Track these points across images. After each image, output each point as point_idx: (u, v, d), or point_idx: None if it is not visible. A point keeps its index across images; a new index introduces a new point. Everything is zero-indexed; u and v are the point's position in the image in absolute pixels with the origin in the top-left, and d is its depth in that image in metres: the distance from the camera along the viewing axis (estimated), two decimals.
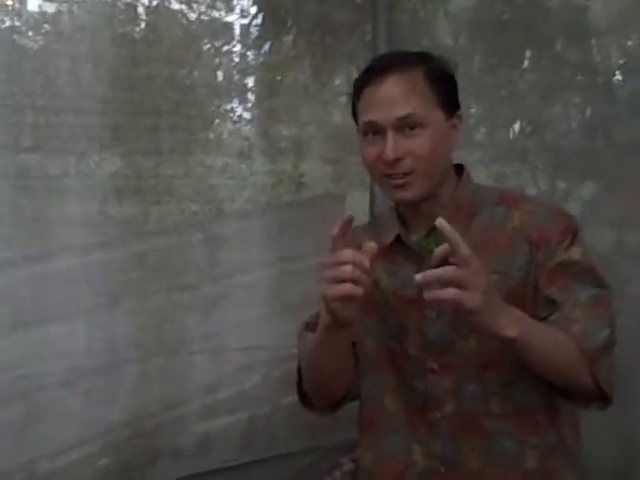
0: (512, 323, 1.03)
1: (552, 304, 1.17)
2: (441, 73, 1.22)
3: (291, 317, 3.10)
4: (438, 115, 1.19)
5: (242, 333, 2.89)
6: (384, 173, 1.21)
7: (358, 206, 3.16)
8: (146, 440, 2.73)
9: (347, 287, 1.01)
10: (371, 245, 1.05)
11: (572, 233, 1.20)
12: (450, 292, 0.96)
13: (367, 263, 1.02)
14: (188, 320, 2.77)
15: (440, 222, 0.98)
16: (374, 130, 1.20)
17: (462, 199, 1.26)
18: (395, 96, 1.17)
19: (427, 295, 0.98)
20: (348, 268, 1.01)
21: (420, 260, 1.23)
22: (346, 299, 1.03)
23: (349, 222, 1.07)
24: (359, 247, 1.23)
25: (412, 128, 1.17)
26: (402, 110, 1.16)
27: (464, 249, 0.98)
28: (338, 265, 1.02)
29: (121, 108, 2.58)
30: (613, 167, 2.42)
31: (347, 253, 1.03)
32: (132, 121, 2.61)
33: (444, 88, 1.21)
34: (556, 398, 1.22)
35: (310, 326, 1.32)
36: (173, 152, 2.74)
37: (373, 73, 1.21)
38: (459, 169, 1.31)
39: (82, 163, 2.59)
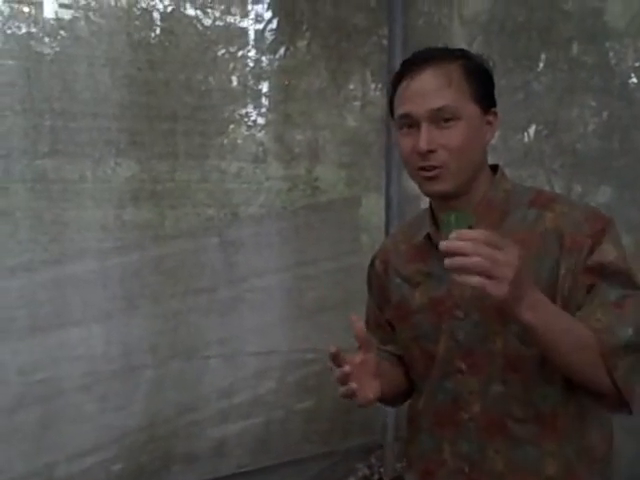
0: (531, 308, 1.03)
1: (580, 306, 1.16)
2: (478, 69, 1.23)
3: (306, 321, 3.12)
4: (473, 109, 1.19)
5: (257, 337, 2.89)
6: (417, 166, 1.20)
7: (373, 210, 3.16)
8: (161, 445, 2.73)
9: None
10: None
11: (605, 232, 1.17)
12: (474, 280, 0.97)
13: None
14: (203, 324, 2.78)
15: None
16: (409, 123, 1.19)
17: (494, 198, 1.24)
18: (430, 88, 1.17)
19: (447, 263, 0.97)
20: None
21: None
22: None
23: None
24: (398, 249, 1.36)
25: (446, 120, 1.16)
26: (437, 102, 1.16)
27: (496, 239, 0.98)
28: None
29: (138, 113, 2.60)
30: (630, 170, 2.41)
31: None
32: (149, 125, 2.63)
33: (481, 84, 1.21)
34: (583, 402, 1.21)
35: None
36: (189, 157, 2.75)
37: (410, 66, 1.20)
38: (495, 169, 1.29)
39: (99, 168, 2.60)
